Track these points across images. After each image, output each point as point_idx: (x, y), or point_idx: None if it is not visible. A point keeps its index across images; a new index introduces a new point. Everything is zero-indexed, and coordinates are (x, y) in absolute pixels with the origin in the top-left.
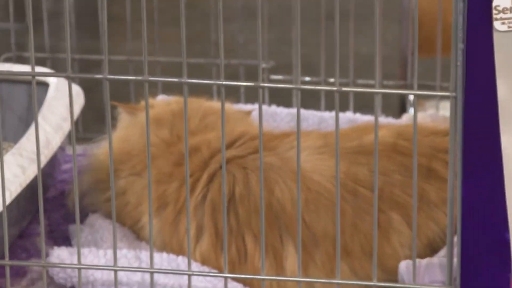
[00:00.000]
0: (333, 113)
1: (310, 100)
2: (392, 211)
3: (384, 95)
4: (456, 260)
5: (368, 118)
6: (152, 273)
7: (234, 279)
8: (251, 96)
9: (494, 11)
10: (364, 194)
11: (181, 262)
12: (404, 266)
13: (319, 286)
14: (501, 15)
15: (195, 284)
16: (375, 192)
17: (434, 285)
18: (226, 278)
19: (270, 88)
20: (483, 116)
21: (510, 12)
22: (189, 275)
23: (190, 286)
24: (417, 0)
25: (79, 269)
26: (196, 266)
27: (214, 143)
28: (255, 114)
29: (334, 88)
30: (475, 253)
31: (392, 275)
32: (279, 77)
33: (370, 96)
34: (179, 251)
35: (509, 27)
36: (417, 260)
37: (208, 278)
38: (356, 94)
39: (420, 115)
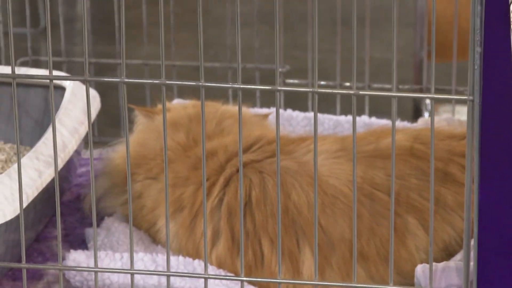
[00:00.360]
0: (348, 117)
1: (325, 105)
2: (408, 215)
3: (398, 100)
4: (472, 264)
5: (383, 122)
6: (168, 276)
7: (250, 282)
8: (267, 100)
9: (511, 14)
10: (381, 198)
11: (197, 265)
12: (420, 270)
13: None
14: None
15: (212, 287)
16: (391, 196)
17: None
18: (242, 281)
19: (285, 92)
20: (500, 119)
21: None
22: (206, 278)
23: None
24: (434, 5)
25: (96, 272)
26: (212, 270)
27: (231, 147)
28: (272, 118)
29: (352, 92)
30: (491, 257)
31: (408, 279)
32: (295, 81)
33: (384, 100)
34: (195, 255)
35: None
36: (434, 264)
37: (224, 281)
38: (371, 98)
39: (436, 119)
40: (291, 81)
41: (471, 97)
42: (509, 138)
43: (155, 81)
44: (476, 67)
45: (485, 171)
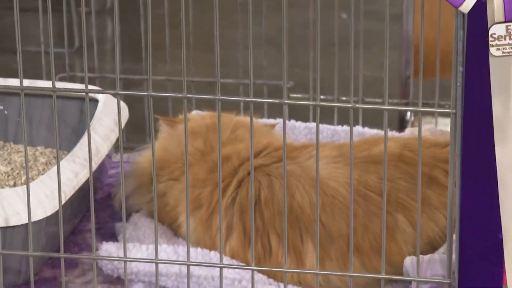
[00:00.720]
0: (344, 127)
1: (323, 116)
2: (398, 213)
3: (381, 112)
4: (454, 256)
5: (375, 132)
6: (188, 265)
7: (259, 271)
8: (273, 112)
9: (490, 39)
10: (374, 198)
11: (213, 256)
12: (408, 261)
13: (334, 278)
14: (497, 42)
15: (226, 275)
16: (383, 196)
17: (435, 278)
18: (253, 270)
19: (289, 105)
20: (479, 130)
21: (504, 39)
22: (221, 268)
23: (221, 277)
24: (422, 32)
25: (125, 261)
26: (226, 260)
27: (243, 153)
28: (278, 127)
29: (349, 105)
30: (471, 251)
31: (398, 269)
32: (298, 95)
33: (375, 112)
34: (211, 247)
35: (503, 52)
36: (420, 256)
37: (237, 270)
38: (364, 110)
39: (414, 129)
40: (294, 95)
41: (454, 110)
42: (487, 147)
43: (177, 95)
44: (458, 84)
45: (466, 175)
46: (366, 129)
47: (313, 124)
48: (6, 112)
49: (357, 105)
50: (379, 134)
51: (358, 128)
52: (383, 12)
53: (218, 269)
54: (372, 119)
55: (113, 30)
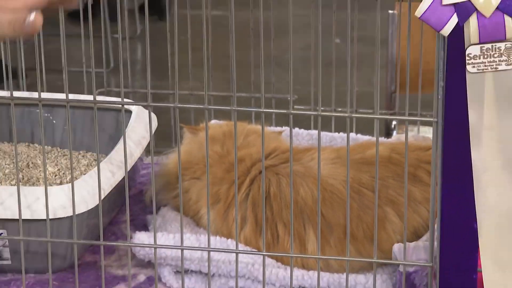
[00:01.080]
0: (340, 134)
1: (322, 124)
2: (387, 206)
3: (372, 121)
4: (436, 244)
5: (367, 138)
6: (209, 251)
7: (269, 256)
8: (280, 121)
9: (467, 58)
10: (366, 194)
11: (230, 243)
12: (396, 247)
13: (333, 262)
14: (472, 60)
15: (241, 260)
16: (375, 192)
17: (419, 262)
18: (264, 255)
19: (294, 115)
20: (457, 136)
21: (479, 58)
22: (236, 253)
23: (237, 261)
24: (409, 52)
25: (155, 248)
26: (241, 247)
27: (254, 156)
28: (284, 134)
29: (346, 115)
30: (450, 239)
31: (387, 254)
32: (301, 107)
33: (366, 121)
34: (228, 236)
35: (478, 69)
36: (407, 243)
37: (250, 255)
38: (357, 119)
39: (401, 136)
40: (297, 107)
41: (435, 119)
42: (464, 150)
43: (199, 106)
44: (439, 97)
45: (445, 174)
46: (359, 136)
47: (314, 131)
48: (54, 121)
49: (353, 115)
50: (371, 139)
51: (352, 135)
52: (372, 37)
53: (234, 254)
54: (363, 127)
55: (144, 53)
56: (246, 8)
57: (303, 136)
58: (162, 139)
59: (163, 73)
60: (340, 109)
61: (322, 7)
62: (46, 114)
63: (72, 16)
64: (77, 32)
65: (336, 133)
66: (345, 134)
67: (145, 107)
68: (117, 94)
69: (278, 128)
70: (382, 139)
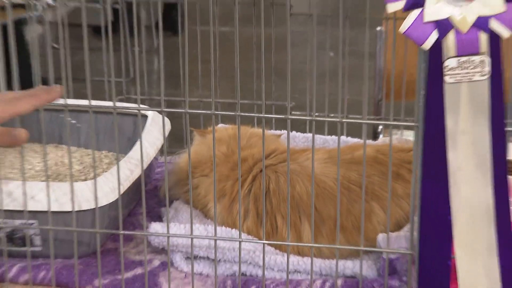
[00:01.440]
0: (332, 137)
1: (316, 128)
2: (373, 201)
3: (360, 126)
4: (415, 234)
5: (355, 140)
6: (215, 240)
7: (269, 244)
8: (279, 125)
9: (445, 69)
10: (355, 189)
11: (234, 233)
12: (381, 237)
13: (325, 250)
14: (450, 72)
15: (243, 247)
16: (363, 188)
17: (401, 250)
18: (264, 244)
19: (292, 120)
20: (436, 139)
21: (456, 70)
22: (240, 242)
23: (240, 248)
24: (394, 65)
25: (168, 237)
26: (244, 236)
27: (256, 156)
28: (283, 137)
29: (337, 120)
30: (428, 229)
31: (373, 243)
32: (298, 112)
33: (355, 126)
34: (232, 226)
35: (455, 80)
36: (390, 233)
37: (252, 243)
38: (348, 124)
39: (386, 139)
40: (294, 112)
41: (417, 124)
42: (441, 152)
43: (208, 112)
44: (420, 104)
45: (425, 172)
46: (349, 138)
47: (309, 134)
48: (78, 125)
49: (343, 120)
50: (359, 142)
51: (343, 138)
52: (361, 51)
53: (238, 242)
54: (353, 131)
55: (158, 64)
56: (250, 25)
57: (300, 139)
58: (175, 141)
59: (176, 82)
60: (332, 115)
61: (317, 25)
62: (71, 119)
63: (96, 31)
64: (100, 45)
65: (329, 136)
66: (337, 137)
67: (160, 112)
68: (135, 101)
69: (278, 132)
70: (369, 142)
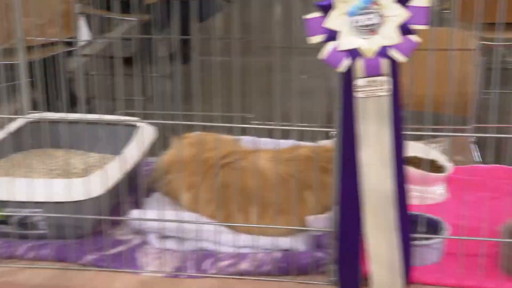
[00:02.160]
0: (283, 140)
1: (272, 134)
2: (306, 190)
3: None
4: (336, 215)
5: (292, 142)
6: (183, 222)
7: (226, 226)
8: (248, 132)
9: (356, 87)
10: (292, 181)
11: (199, 217)
12: (311, 219)
13: (269, 230)
14: (360, 89)
15: (207, 229)
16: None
17: (325, 228)
18: (221, 225)
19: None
20: (350, 142)
21: (364, 87)
22: (203, 223)
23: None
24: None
25: (144, 220)
26: (206, 220)
27: (219, 155)
28: (244, 140)
29: (275, 127)
30: (344, 211)
31: (305, 223)
32: (257, 122)
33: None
34: (199, 212)
35: (364, 95)
36: (318, 215)
37: (212, 226)
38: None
39: (324, 142)
40: (254, 122)
41: (335, 130)
42: (353, 151)
43: (176, 122)
44: (338, 114)
45: (343, 168)
46: (295, 141)
47: (267, 139)
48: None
49: (285, 127)
50: (299, 143)
51: (291, 141)
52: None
53: (202, 225)
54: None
55: (171, 88)
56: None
57: (261, 142)
58: (159, 146)
59: (186, 100)
60: (284, 123)
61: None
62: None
63: (125, 61)
64: (125, 71)
65: (281, 140)
66: (287, 140)
67: (149, 123)
68: (139, 115)
69: (240, 137)
70: (306, 143)
